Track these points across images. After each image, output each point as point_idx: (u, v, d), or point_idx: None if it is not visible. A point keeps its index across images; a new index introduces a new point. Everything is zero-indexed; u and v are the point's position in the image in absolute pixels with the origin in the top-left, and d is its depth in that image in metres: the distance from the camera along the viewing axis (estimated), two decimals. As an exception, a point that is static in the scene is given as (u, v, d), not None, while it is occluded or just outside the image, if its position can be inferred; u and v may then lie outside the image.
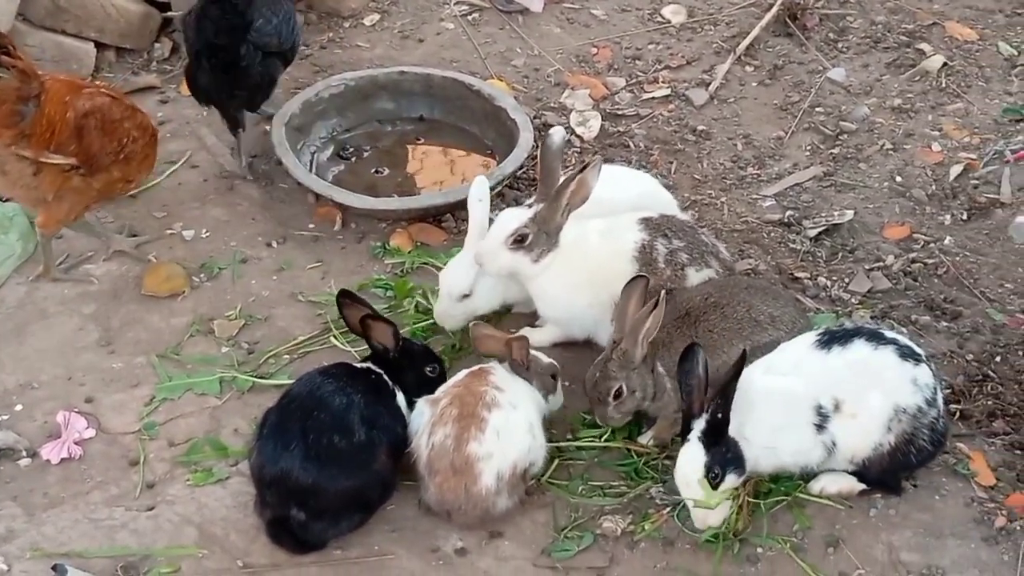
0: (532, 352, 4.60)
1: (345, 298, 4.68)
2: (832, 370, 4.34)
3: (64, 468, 4.65)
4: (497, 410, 4.38)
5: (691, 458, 4.23)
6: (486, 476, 4.32)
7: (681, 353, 4.25)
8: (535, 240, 4.77)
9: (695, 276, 4.82)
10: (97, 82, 5.62)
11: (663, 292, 4.47)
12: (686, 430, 4.25)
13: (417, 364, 4.67)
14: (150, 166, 5.46)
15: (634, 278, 4.57)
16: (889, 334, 4.45)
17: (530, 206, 4.85)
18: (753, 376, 4.28)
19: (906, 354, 4.37)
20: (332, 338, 5.15)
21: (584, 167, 4.72)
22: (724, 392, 4.17)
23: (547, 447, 4.55)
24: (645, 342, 4.49)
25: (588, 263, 4.84)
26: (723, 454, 4.22)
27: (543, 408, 4.60)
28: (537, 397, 4.58)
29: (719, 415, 4.18)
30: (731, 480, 4.25)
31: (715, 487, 4.23)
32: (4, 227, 5.57)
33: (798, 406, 4.33)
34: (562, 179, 4.77)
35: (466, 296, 4.97)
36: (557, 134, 4.88)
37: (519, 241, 4.77)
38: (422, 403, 4.53)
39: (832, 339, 4.39)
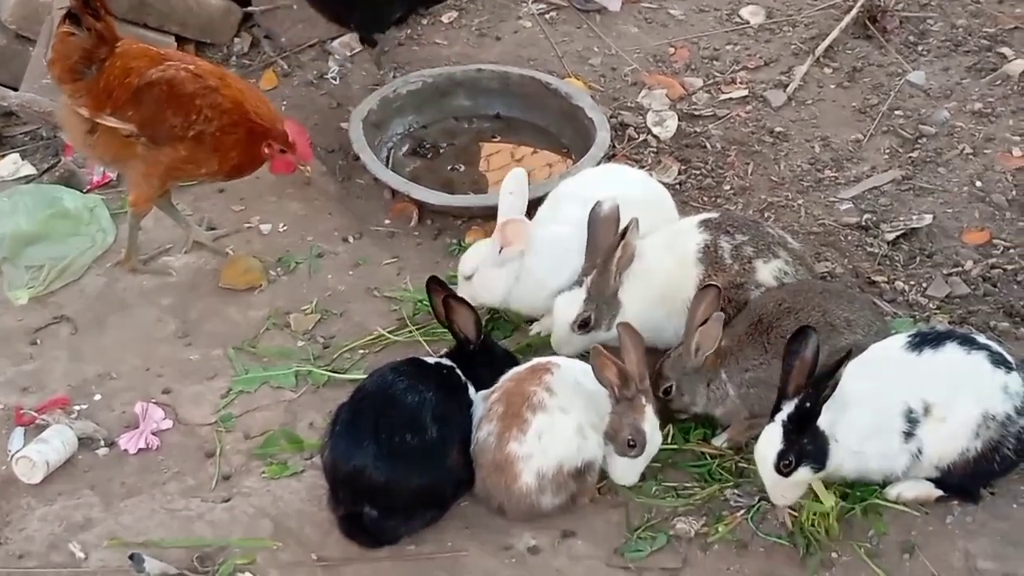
0: (648, 411, 4.40)
1: (435, 284, 4.68)
2: (923, 372, 4.30)
3: (141, 458, 4.69)
4: (542, 413, 4.34)
5: (769, 440, 4.19)
6: (526, 475, 4.32)
7: (793, 332, 4.19)
8: (599, 315, 4.78)
9: (764, 268, 4.79)
10: (196, 57, 5.58)
11: (713, 291, 4.51)
12: (776, 409, 4.21)
13: (495, 363, 4.65)
14: (230, 157, 5.25)
15: (706, 287, 4.57)
16: (982, 340, 4.41)
17: (580, 283, 4.81)
18: (848, 378, 4.19)
19: (998, 361, 4.32)
20: (408, 333, 5.16)
21: (625, 230, 4.71)
22: (817, 383, 4.12)
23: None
24: (700, 352, 4.51)
25: (656, 279, 4.82)
26: (802, 444, 4.16)
27: (602, 412, 4.45)
28: (599, 404, 4.43)
29: (807, 404, 4.13)
30: (804, 473, 4.20)
31: (786, 475, 4.19)
32: (84, 218, 5.64)
33: (889, 411, 4.29)
34: (608, 247, 4.75)
35: (468, 278, 5.00)
36: (607, 204, 4.82)
37: (584, 326, 4.78)
38: (479, 397, 4.54)
39: (924, 341, 4.35)
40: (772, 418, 4.21)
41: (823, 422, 4.18)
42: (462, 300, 4.64)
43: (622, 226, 4.75)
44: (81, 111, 5.09)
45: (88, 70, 5.03)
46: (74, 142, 5.38)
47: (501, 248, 4.92)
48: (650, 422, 4.41)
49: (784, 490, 4.27)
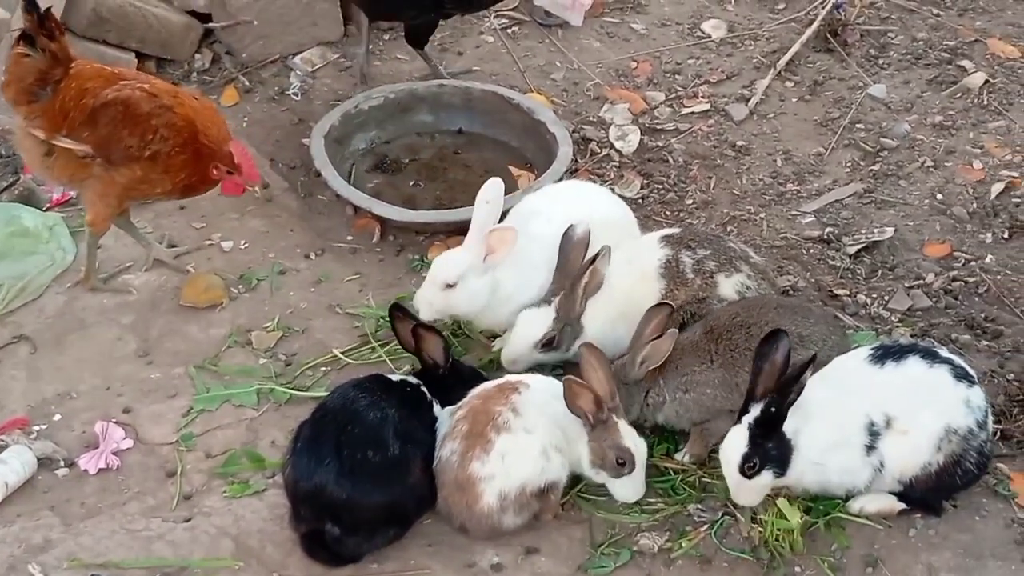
0: (622, 427, 4.42)
1: (397, 311, 4.67)
2: (885, 386, 4.31)
3: (101, 478, 4.66)
4: (507, 434, 4.33)
5: (735, 442, 4.21)
6: (488, 496, 4.30)
7: (765, 335, 4.21)
8: (562, 337, 4.79)
9: (726, 282, 4.79)
10: (150, 76, 5.53)
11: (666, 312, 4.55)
12: (743, 412, 4.22)
13: (464, 383, 4.62)
14: (180, 177, 5.17)
15: (658, 304, 4.59)
16: (944, 353, 4.42)
17: (549, 302, 4.81)
18: (811, 389, 4.21)
19: (960, 375, 4.34)
20: (371, 350, 5.14)
21: (595, 257, 4.73)
22: (782, 388, 4.14)
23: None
24: (644, 367, 4.54)
25: (618, 296, 4.82)
26: (767, 448, 4.18)
27: (576, 436, 4.44)
28: (565, 425, 4.42)
29: (773, 409, 4.15)
30: (767, 477, 4.22)
31: (749, 478, 4.21)
32: (44, 237, 5.60)
33: (851, 425, 4.30)
34: (577, 271, 4.76)
35: (450, 286, 4.90)
36: (580, 228, 4.82)
37: (548, 345, 4.79)
38: (445, 413, 4.53)
39: (886, 354, 4.37)
40: (739, 420, 4.23)
41: (788, 428, 4.20)
42: (430, 328, 4.63)
43: (592, 252, 4.76)
44: (37, 133, 5.05)
45: (43, 91, 5.00)
46: (31, 164, 5.34)
47: (486, 256, 4.90)
48: (629, 436, 4.42)
49: (747, 492, 4.29)
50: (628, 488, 4.49)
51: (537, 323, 4.80)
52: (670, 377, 4.58)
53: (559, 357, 4.81)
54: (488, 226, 4.88)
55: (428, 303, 4.91)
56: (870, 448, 4.29)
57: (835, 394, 4.32)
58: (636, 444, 4.43)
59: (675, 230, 5.01)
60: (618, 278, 4.83)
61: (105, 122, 5.02)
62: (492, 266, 4.89)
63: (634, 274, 4.83)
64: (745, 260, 4.88)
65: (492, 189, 4.95)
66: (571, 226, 4.84)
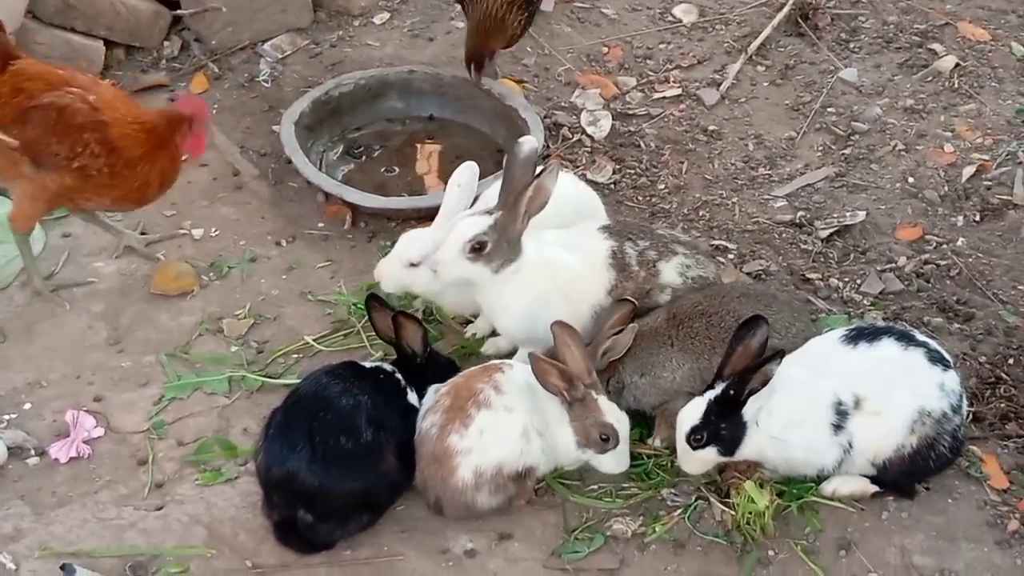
0: (602, 403, 4.45)
1: (374, 301, 4.66)
2: (856, 365, 4.33)
3: (73, 467, 4.64)
4: (487, 410, 4.34)
5: (690, 411, 4.31)
6: (463, 470, 4.30)
7: (746, 319, 4.29)
8: (495, 249, 4.60)
9: (667, 267, 4.79)
10: (103, 86, 5.31)
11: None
12: (709, 387, 4.31)
13: (441, 373, 4.63)
14: (119, 194, 5.09)
15: (622, 301, 4.61)
16: (920, 337, 4.44)
17: (490, 213, 4.65)
18: (781, 366, 4.26)
19: (935, 358, 4.36)
20: (343, 337, 5.13)
21: (541, 172, 4.58)
22: (743, 373, 4.19)
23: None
24: (606, 358, 4.56)
25: (559, 277, 4.74)
26: (718, 427, 4.27)
27: (557, 419, 4.45)
28: (547, 409, 4.44)
29: (731, 392, 4.22)
30: (710, 453, 4.31)
31: (693, 448, 4.30)
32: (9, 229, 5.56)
33: (816, 402, 4.32)
34: (520, 185, 4.62)
35: (413, 265, 4.87)
36: (528, 144, 4.66)
37: (477, 249, 4.59)
38: (431, 389, 4.54)
39: (860, 336, 4.39)
40: (703, 393, 4.31)
41: (749, 410, 4.26)
42: (411, 316, 4.61)
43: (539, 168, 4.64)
44: None
45: None
46: None
47: None
48: (610, 411, 4.44)
49: (689, 460, 4.38)
50: (615, 461, 4.50)
51: (472, 225, 4.62)
52: (628, 362, 4.60)
53: (486, 278, 4.65)
54: (458, 210, 4.85)
55: (389, 276, 4.90)
56: (837, 427, 4.31)
57: (802, 371, 4.35)
58: (618, 418, 4.46)
59: (608, 222, 5.00)
60: (562, 260, 4.75)
61: (35, 124, 4.94)
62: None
63: (580, 260, 4.76)
64: (676, 242, 4.89)
65: (465, 173, 4.94)
66: (518, 142, 4.67)
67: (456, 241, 4.61)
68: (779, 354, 4.18)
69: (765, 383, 4.20)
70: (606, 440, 4.43)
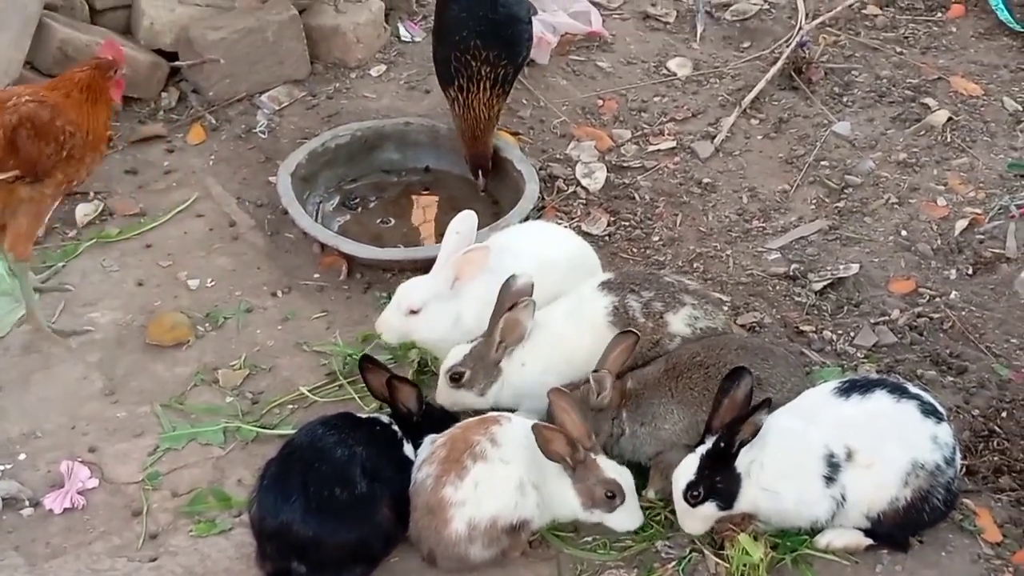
0: (601, 461, 4.46)
1: (368, 363, 4.67)
2: (848, 418, 4.34)
3: (67, 518, 4.63)
4: (482, 463, 4.34)
5: (684, 469, 4.32)
6: (457, 522, 4.29)
7: (729, 372, 4.33)
8: (473, 377, 4.76)
9: (675, 319, 4.82)
10: (18, 87, 5.48)
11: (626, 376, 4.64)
12: (700, 441, 4.33)
13: (436, 426, 4.63)
14: (93, 157, 5.29)
15: (624, 332, 4.63)
16: (913, 389, 4.45)
17: (474, 341, 4.81)
18: (773, 417, 4.31)
19: (928, 411, 4.36)
20: (338, 388, 5.13)
21: (514, 306, 4.70)
22: (731, 425, 4.22)
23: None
24: (603, 398, 4.58)
25: (563, 347, 4.81)
26: (714, 480, 4.28)
27: (557, 478, 4.45)
28: (544, 463, 4.42)
29: (722, 444, 4.24)
30: (710, 508, 4.31)
31: (692, 506, 4.31)
32: (8, 278, 5.56)
33: (807, 454, 4.33)
34: (494, 317, 4.76)
35: (413, 312, 4.93)
36: (521, 280, 4.77)
37: (455, 379, 4.77)
38: (428, 440, 4.54)
39: (853, 388, 4.41)
40: (694, 449, 4.32)
41: (742, 462, 4.27)
42: (404, 379, 4.64)
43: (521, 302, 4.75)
44: None
45: None
46: None
47: (454, 281, 4.91)
48: (610, 468, 4.45)
49: (690, 519, 4.38)
50: (625, 518, 4.50)
51: (453, 355, 4.81)
52: (631, 410, 4.63)
53: (472, 401, 4.81)
54: (452, 255, 4.91)
55: (390, 327, 4.95)
56: (829, 479, 4.31)
57: (795, 423, 4.37)
58: (620, 474, 4.46)
59: (609, 275, 5.01)
60: (563, 329, 4.83)
61: (23, 144, 5.01)
62: (458, 293, 4.91)
63: (581, 325, 4.81)
64: (685, 291, 4.91)
65: (464, 221, 4.99)
66: (512, 276, 4.80)
67: (441, 372, 4.81)
68: (766, 403, 4.21)
69: (755, 434, 4.23)
70: (612, 497, 4.43)
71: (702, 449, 4.29)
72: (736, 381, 4.28)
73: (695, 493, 4.28)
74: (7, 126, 5.00)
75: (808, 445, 4.33)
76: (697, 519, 4.36)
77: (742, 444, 4.24)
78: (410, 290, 4.97)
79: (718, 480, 4.27)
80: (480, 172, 6.19)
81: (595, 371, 4.58)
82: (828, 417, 4.36)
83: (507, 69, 6.01)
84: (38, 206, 5.16)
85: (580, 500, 4.44)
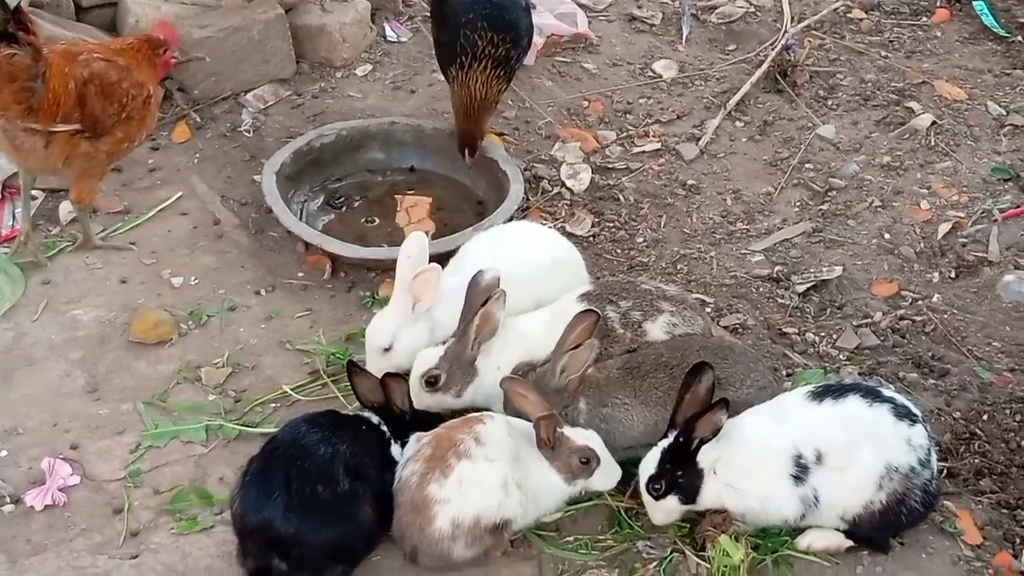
0: (567, 431, 4.50)
1: (354, 367, 4.66)
2: (819, 421, 4.36)
3: (48, 515, 4.61)
4: (467, 461, 4.33)
5: (647, 463, 4.40)
6: (440, 520, 4.29)
7: (692, 367, 4.36)
8: (450, 379, 4.74)
9: (653, 327, 4.83)
10: (90, 43, 5.65)
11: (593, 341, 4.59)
12: (664, 436, 4.39)
13: (424, 426, 4.61)
14: (149, 125, 5.63)
15: (585, 311, 4.63)
16: (887, 393, 4.46)
17: (445, 342, 4.79)
18: (743, 417, 4.38)
19: (902, 413, 4.37)
20: (321, 386, 5.13)
21: (487, 300, 4.69)
22: (690, 421, 4.27)
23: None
24: (564, 376, 4.59)
25: (540, 356, 4.76)
26: (675, 475, 4.34)
27: (545, 474, 4.49)
28: (528, 462, 4.46)
29: (681, 439, 4.30)
30: (672, 501, 4.38)
31: (654, 499, 4.37)
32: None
33: (774, 453, 4.35)
34: (466, 315, 4.75)
35: (387, 350, 4.92)
36: (489, 274, 4.77)
37: (431, 383, 4.74)
38: (413, 437, 4.54)
39: (826, 392, 4.43)
40: (657, 442, 4.38)
41: (705, 458, 4.32)
42: (397, 376, 4.63)
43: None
44: (34, 127, 5.19)
45: (36, 84, 5.10)
46: (26, 160, 5.42)
47: (414, 305, 4.90)
48: (578, 435, 4.50)
49: (654, 511, 4.44)
50: (605, 477, 4.54)
51: (425, 360, 4.77)
52: (593, 403, 4.65)
53: (451, 403, 4.78)
54: (407, 280, 4.89)
55: (377, 368, 4.86)
56: (798, 479, 4.33)
57: (763, 423, 4.41)
58: (588, 438, 4.51)
59: (589, 287, 5.01)
60: (542, 339, 4.79)
61: (90, 99, 5.24)
62: (422, 313, 4.90)
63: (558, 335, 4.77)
64: (663, 297, 4.92)
65: (414, 243, 4.95)
66: (479, 271, 4.80)
67: (414, 377, 4.76)
68: (722, 402, 4.24)
69: (715, 431, 4.27)
70: (587, 462, 4.47)
71: (664, 443, 4.36)
72: (698, 376, 4.32)
73: (656, 486, 4.35)
74: (78, 79, 5.21)
75: (775, 445, 4.35)
76: (660, 511, 4.42)
77: (702, 441, 4.29)
78: (375, 332, 4.96)
79: (679, 475, 4.33)
80: (467, 151, 6.19)
81: (559, 351, 4.59)
82: (799, 419, 4.38)
83: (509, 51, 6.00)
84: (95, 161, 5.43)
85: (562, 476, 4.47)
